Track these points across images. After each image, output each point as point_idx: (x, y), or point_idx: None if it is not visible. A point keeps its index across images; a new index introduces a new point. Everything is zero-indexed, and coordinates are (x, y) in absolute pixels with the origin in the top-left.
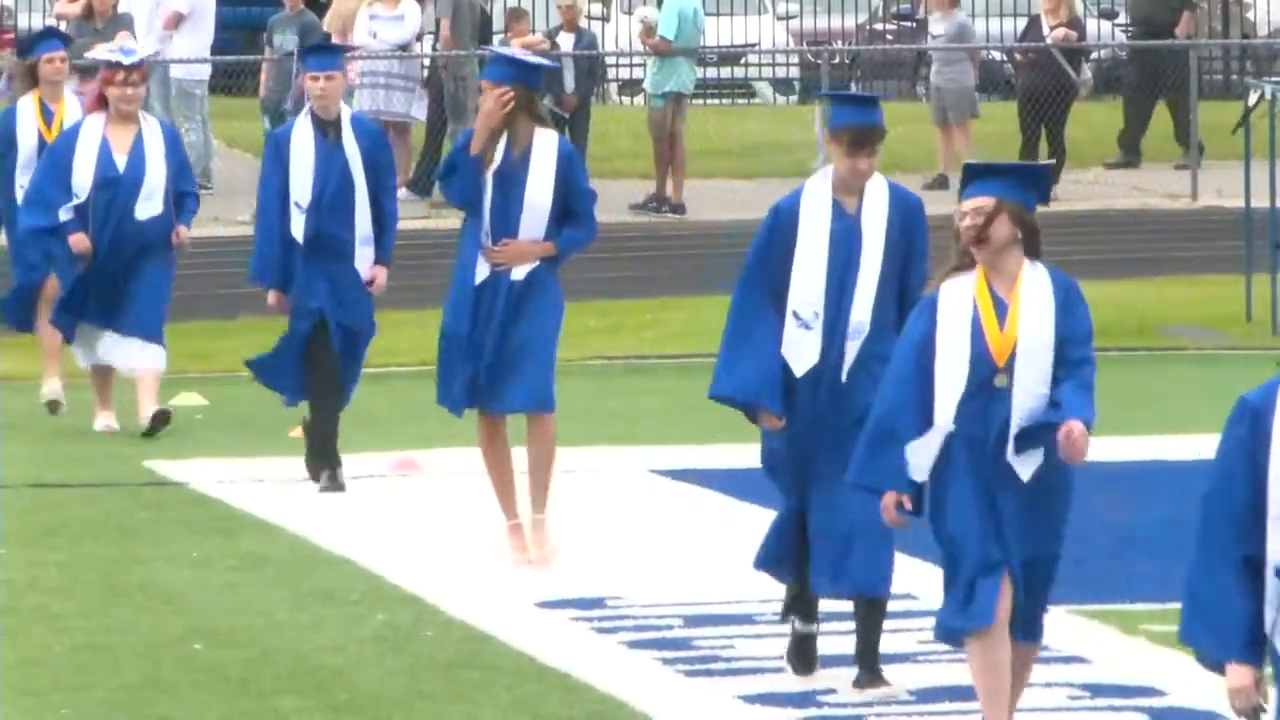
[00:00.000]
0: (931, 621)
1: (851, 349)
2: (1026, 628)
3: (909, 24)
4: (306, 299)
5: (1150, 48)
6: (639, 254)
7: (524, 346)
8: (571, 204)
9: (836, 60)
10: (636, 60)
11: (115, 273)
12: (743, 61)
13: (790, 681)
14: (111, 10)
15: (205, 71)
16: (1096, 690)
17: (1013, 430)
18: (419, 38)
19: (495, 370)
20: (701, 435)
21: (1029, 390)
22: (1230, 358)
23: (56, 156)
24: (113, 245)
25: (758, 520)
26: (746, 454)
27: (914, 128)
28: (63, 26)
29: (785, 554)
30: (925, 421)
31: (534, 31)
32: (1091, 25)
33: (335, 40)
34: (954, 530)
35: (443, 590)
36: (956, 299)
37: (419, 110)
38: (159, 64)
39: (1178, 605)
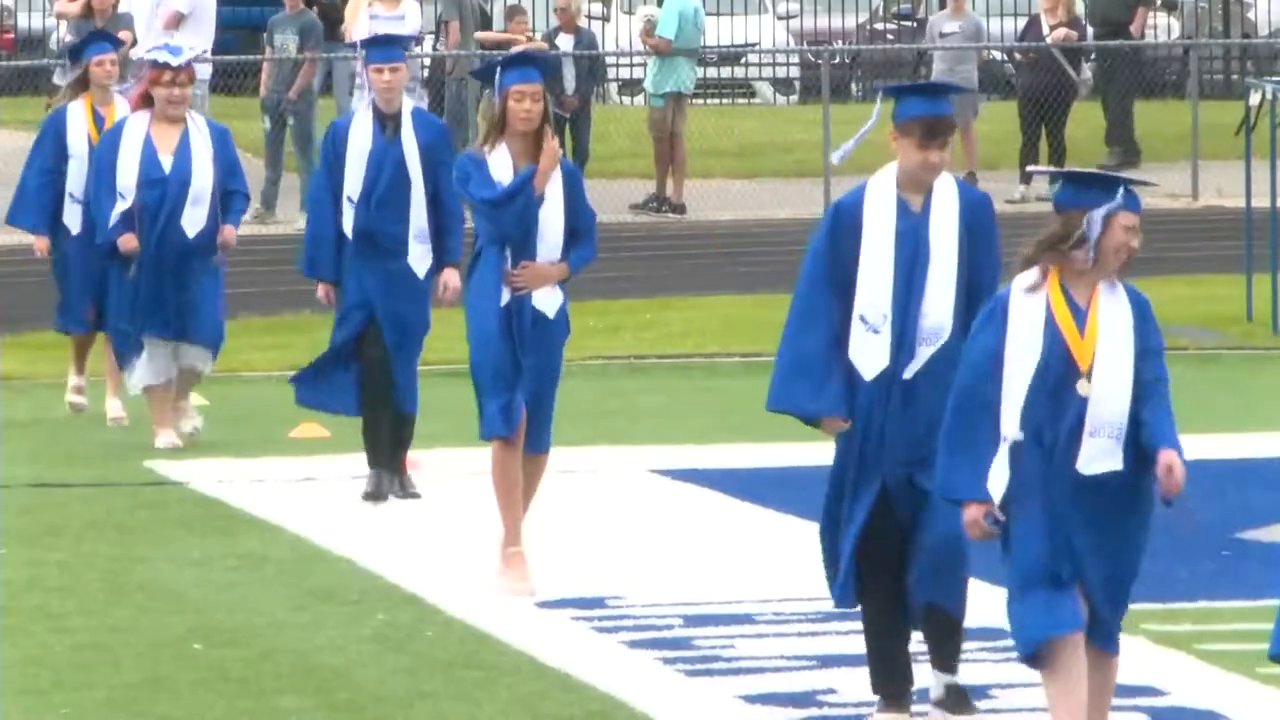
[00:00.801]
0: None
1: (925, 353)
2: (1104, 637)
3: (909, 24)
4: (352, 296)
5: (1134, 47)
6: (639, 254)
7: (540, 384)
8: (576, 223)
9: (837, 60)
10: (637, 60)
11: (163, 278)
12: (743, 61)
13: (791, 681)
14: (111, 9)
15: (206, 71)
16: None
17: (1086, 437)
18: (419, 40)
19: (528, 406)
20: (701, 435)
21: (1109, 399)
22: (1231, 358)
23: (101, 164)
24: (159, 249)
25: (758, 520)
26: (746, 454)
27: None
28: (62, 26)
29: (855, 575)
30: (999, 430)
31: (533, 32)
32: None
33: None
34: (1022, 543)
35: (443, 590)
36: (1029, 304)
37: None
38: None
39: (1178, 605)
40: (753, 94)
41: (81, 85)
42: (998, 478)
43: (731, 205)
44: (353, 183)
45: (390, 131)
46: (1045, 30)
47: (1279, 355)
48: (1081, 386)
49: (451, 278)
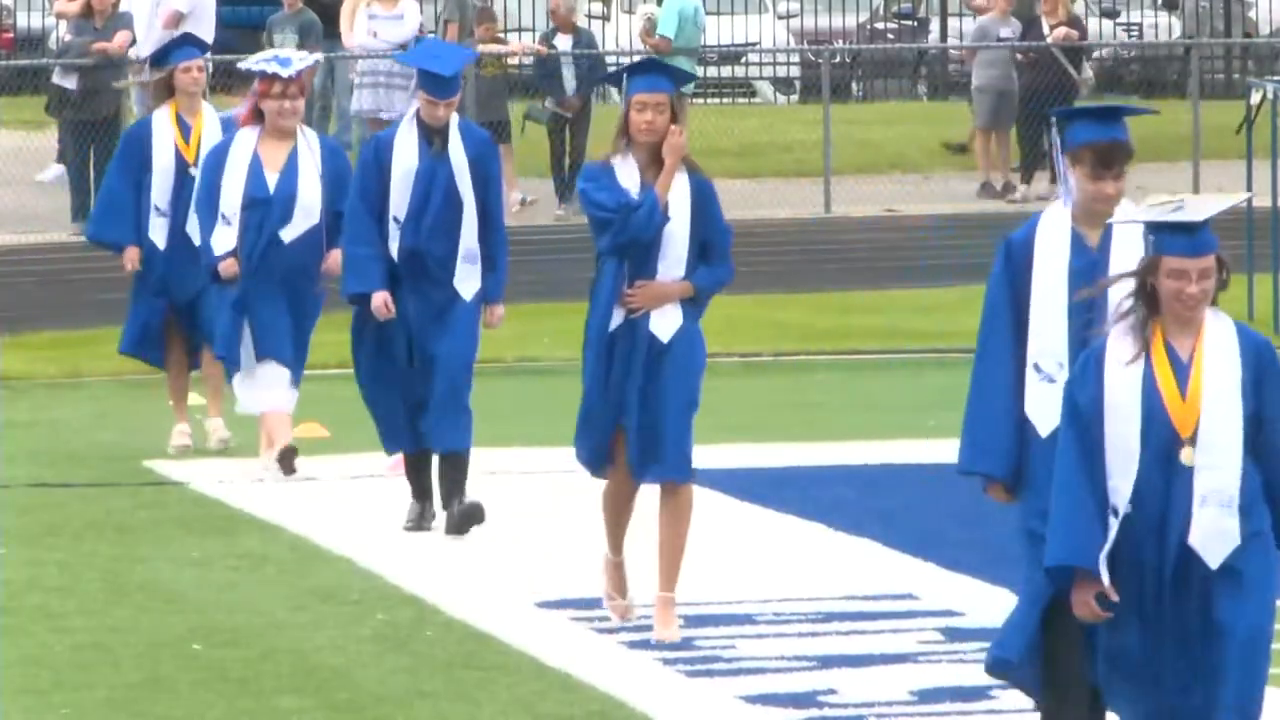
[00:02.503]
0: (931, 621)
1: None
2: None
3: (909, 23)
4: (395, 331)
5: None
6: None
7: (664, 409)
8: (708, 239)
9: (837, 60)
10: (637, 60)
11: (266, 300)
12: (743, 61)
13: (791, 681)
14: (111, 9)
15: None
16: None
17: (1195, 508)
18: (418, 40)
19: (639, 434)
20: (701, 435)
21: (1217, 467)
22: None
23: (205, 184)
24: (260, 271)
25: (758, 520)
26: (746, 454)
27: (914, 128)
28: (62, 25)
29: (1029, 649)
30: (1102, 494)
31: (533, 33)
32: (1092, 24)
33: (348, 37)
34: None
35: (443, 590)
36: (1127, 357)
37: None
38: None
39: None
40: (753, 94)
41: (166, 92)
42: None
43: (731, 205)
44: (399, 202)
45: (437, 146)
46: (1045, 30)
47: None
48: (1185, 455)
49: (497, 309)
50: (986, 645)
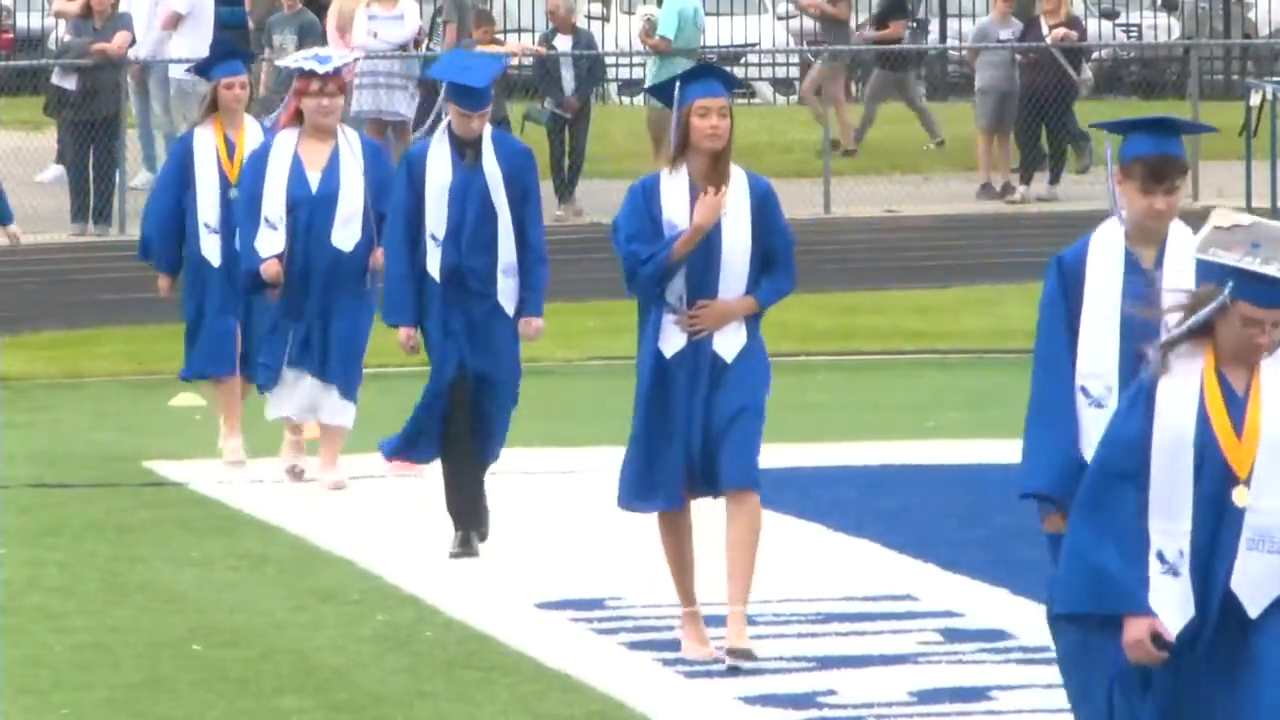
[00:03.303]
0: (931, 622)
1: None
2: None
3: (910, 23)
4: (441, 345)
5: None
6: None
7: (733, 419)
8: (770, 247)
9: (837, 60)
10: (636, 60)
11: (309, 305)
12: (743, 61)
13: (790, 682)
14: (110, 9)
15: None
16: None
17: (1241, 556)
18: (418, 41)
19: (702, 452)
20: None
21: (1270, 510)
22: None
23: (247, 189)
24: (305, 273)
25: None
26: None
27: (914, 129)
28: (61, 25)
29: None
30: (1145, 537)
31: (532, 34)
32: (1092, 25)
33: (335, 39)
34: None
35: (443, 590)
36: (1179, 390)
37: (413, 108)
38: (157, 64)
39: None
40: (753, 94)
41: (210, 106)
42: (1164, 597)
43: None
44: (435, 219)
45: (470, 158)
46: (1045, 30)
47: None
48: (1238, 495)
49: (534, 320)
50: (986, 646)
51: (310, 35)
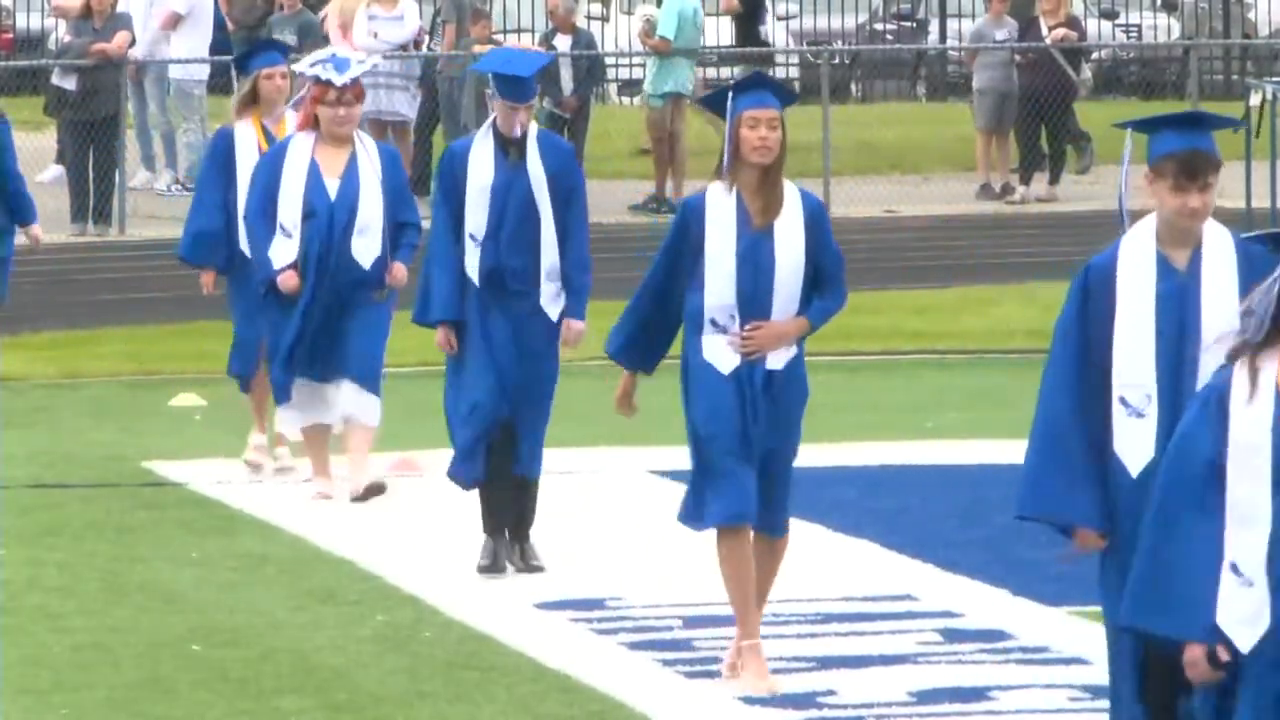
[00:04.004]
0: (930, 622)
1: None
2: None
3: (909, 24)
4: (479, 351)
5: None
6: (639, 254)
7: (774, 460)
8: (820, 265)
9: (836, 60)
10: (636, 60)
11: (326, 315)
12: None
13: (790, 682)
14: (110, 9)
15: (204, 72)
16: (1097, 691)
17: None
18: (418, 42)
19: (760, 482)
20: None
21: None
22: None
23: (259, 191)
24: (321, 283)
25: None
26: None
27: (914, 129)
28: (61, 25)
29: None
30: (1220, 551)
31: (532, 33)
32: (1091, 25)
33: (335, 39)
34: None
35: (443, 590)
36: (1254, 394)
37: (414, 109)
38: (154, 64)
39: None
40: None
41: (250, 100)
42: (1233, 609)
43: None
44: (476, 219)
45: (514, 157)
46: (1044, 31)
47: None
48: None
49: (574, 324)
50: (986, 646)
51: (310, 35)
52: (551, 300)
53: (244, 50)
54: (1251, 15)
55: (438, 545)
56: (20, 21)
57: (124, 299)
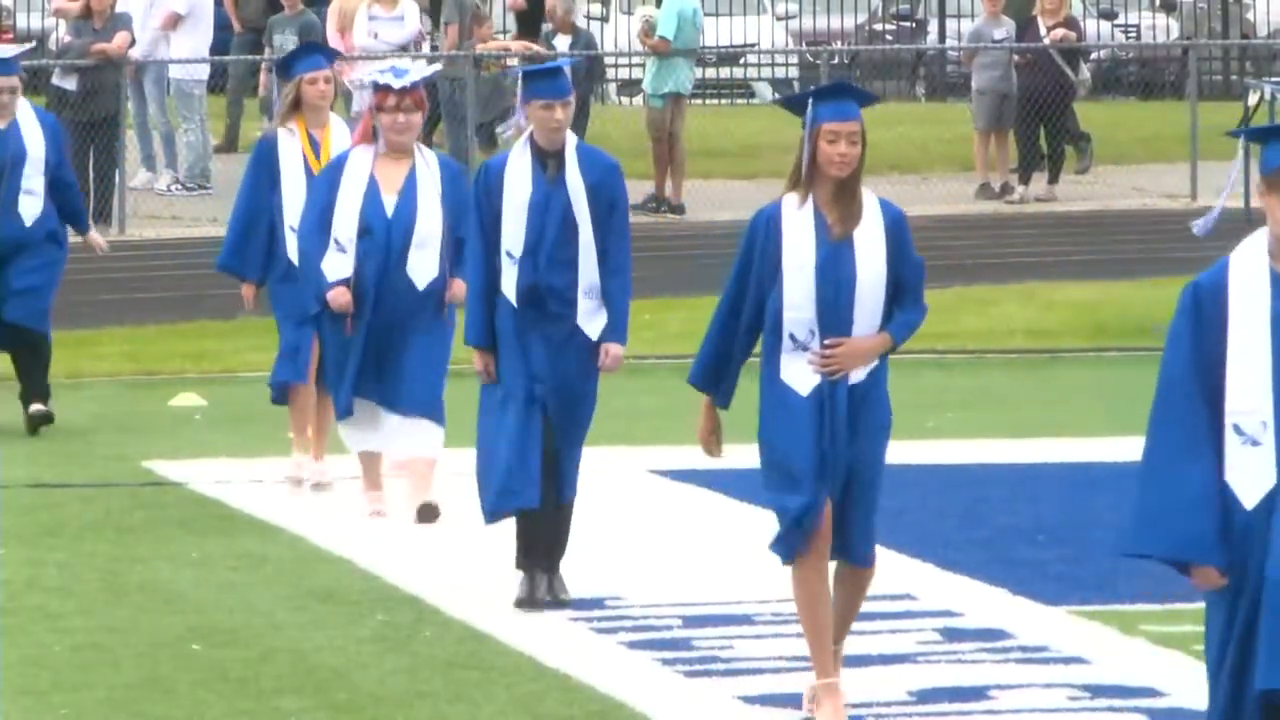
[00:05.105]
0: (930, 622)
1: None
2: None
3: (908, 24)
4: (515, 373)
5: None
6: (639, 254)
7: (858, 484)
8: (901, 277)
9: (836, 60)
10: (635, 60)
11: (384, 336)
12: (742, 61)
13: (790, 682)
14: (109, 9)
15: (204, 72)
16: (1097, 691)
17: None
18: (418, 42)
19: (839, 509)
20: None
21: None
22: None
23: (315, 205)
24: (379, 302)
25: (758, 520)
26: (746, 454)
27: (913, 129)
28: (61, 25)
29: None
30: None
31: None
32: (1090, 26)
33: (333, 41)
34: None
35: (443, 590)
36: None
37: None
38: (154, 64)
39: (1178, 605)
40: (751, 94)
41: (294, 106)
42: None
43: (731, 206)
44: (513, 236)
45: (552, 171)
46: (1042, 31)
47: None
48: None
49: (613, 348)
50: (986, 645)
51: (312, 36)
52: (589, 317)
53: (286, 55)
54: (1250, 15)
55: (438, 545)
56: (20, 21)
57: (124, 299)
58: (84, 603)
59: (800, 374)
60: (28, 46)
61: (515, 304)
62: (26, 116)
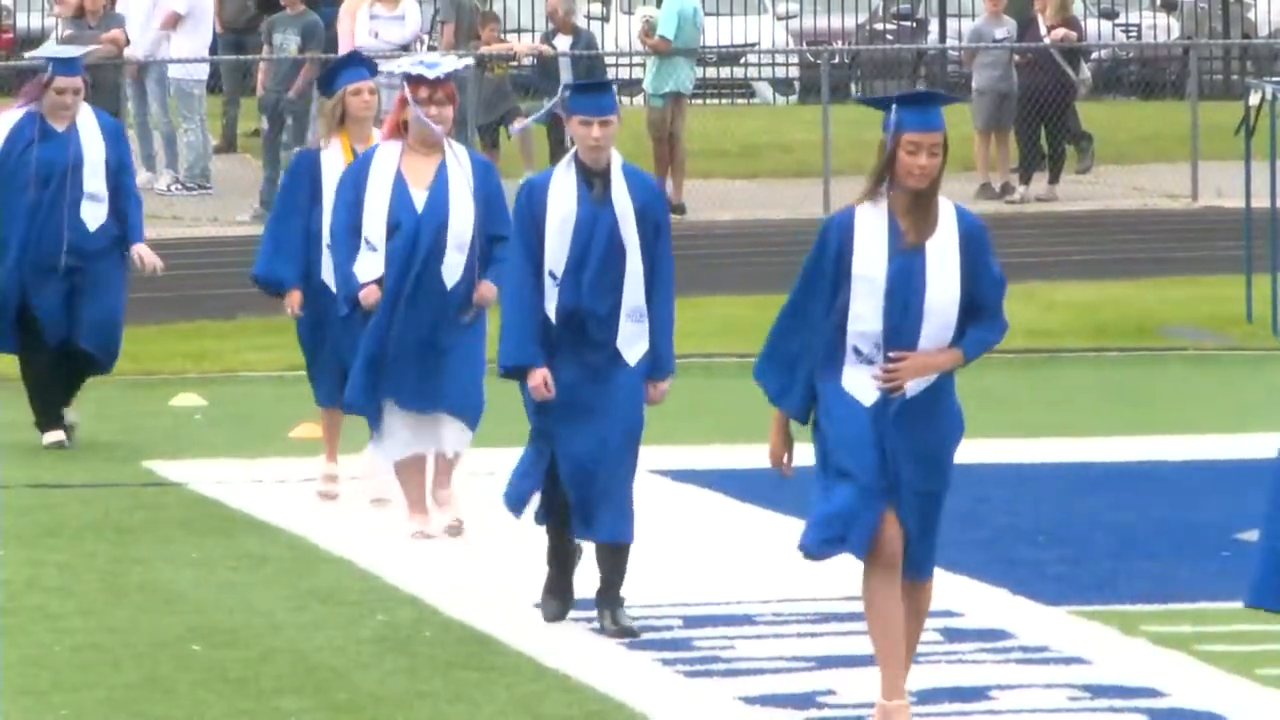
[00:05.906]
0: (930, 622)
1: None
2: None
3: (908, 24)
4: (549, 408)
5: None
6: None
7: (921, 498)
8: (977, 294)
9: (836, 60)
10: (636, 60)
11: (418, 337)
12: (742, 61)
13: (790, 682)
14: (104, 9)
15: (204, 71)
16: (1097, 691)
17: None
18: (420, 42)
19: (906, 522)
20: (701, 435)
21: None
22: (1230, 358)
23: (344, 203)
24: (410, 302)
25: (758, 520)
26: (746, 454)
27: None
28: (60, 24)
29: None
30: None
31: (533, 34)
32: (1091, 25)
33: (345, 45)
34: None
35: (443, 590)
36: None
37: None
38: (154, 64)
39: (1178, 605)
40: (752, 94)
41: (338, 119)
42: None
43: (731, 205)
44: (555, 255)
45: (598, 190)
46: (1043, 31)
47: (1279, 356)
48: None
49: (661, 387)
50: (986, 645)
51: (313, 37)
52: (631, 342)
53: (326, 69)
54: (1251, 15)
55: (438, 545)
56: (20, 21)
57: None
58: (84, 603)
59: (862, 384)
60: (93, 48)
61: (556, 325)
62: (87, 120)
